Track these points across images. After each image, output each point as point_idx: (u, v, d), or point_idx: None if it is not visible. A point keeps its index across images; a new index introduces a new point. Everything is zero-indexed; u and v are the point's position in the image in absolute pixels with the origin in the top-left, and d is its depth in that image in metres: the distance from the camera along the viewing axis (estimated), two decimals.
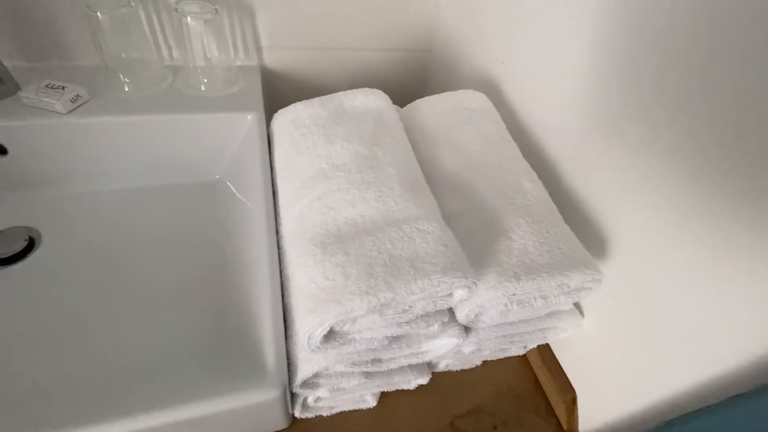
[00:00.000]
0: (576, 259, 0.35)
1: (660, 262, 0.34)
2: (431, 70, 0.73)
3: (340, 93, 0.44)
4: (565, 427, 0.45)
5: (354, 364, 0.34)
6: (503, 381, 0.48)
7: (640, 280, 0.36)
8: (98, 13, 0.47)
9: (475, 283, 0.30)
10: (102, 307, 0.43)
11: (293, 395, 0.34)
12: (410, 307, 0.30)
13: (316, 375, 0.33)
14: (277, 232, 0.39)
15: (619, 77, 0.36)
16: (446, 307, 0.33)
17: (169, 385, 0.32)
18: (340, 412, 0.42)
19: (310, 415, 0.40)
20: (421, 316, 0.32)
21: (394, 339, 0.33)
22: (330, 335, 0.29)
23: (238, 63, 0.61)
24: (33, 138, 0.48)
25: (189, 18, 0.50)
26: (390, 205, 0.33)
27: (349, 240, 0.30)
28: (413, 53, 0.70)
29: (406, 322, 0.31)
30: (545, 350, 0.48)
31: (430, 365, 0.43)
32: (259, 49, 0.61)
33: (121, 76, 0.53)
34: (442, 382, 0.46)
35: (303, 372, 0.31)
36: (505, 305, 0.34)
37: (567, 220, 0.39)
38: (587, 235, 0.39)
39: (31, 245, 0.47)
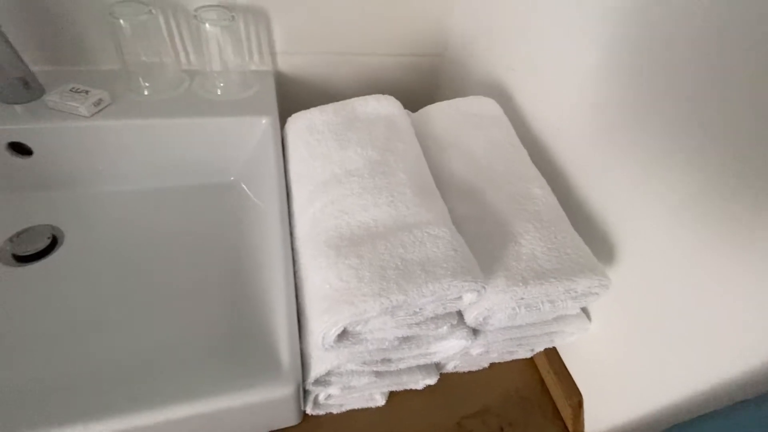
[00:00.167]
0: (583, 265, 0.36)
1: (667, 267, 0.35)
2: (442, 75, 0.73)
3: (353, 99, 0.45)
4: (571, 429, 0.46)
5: (365, 363, 0.35)
6: (510, 383, 0.49)
7: (647, 285, 0.37)
8: (120, 20, 0.49)
9: (484, 287, 0.31)
10: (122, 303, 0.44)
11: (305, 392, 0.36)
12: (421, 309, 0.31)
13: (328, 373, 0.34)
14: (291, 234, 0.41)
15: (630, 85, 0.37)
16: (455, 309, 0.34)
17: (186, 380, 0.33)
18: (350, 410, 0.43)
19: (320, 412, 0.41)
20: (431, 318, 0.33)
21: (405, 340, 0.34)
22: (343, 335, 0.30)
23: (253, 67, 0.63)
24: (57, 140, 0.49)
25: (207, 24, 0.51)
26: (401, 209, 0.34)
27: (362, 243, 0.31)
28: (424, 58, 0.71)
29: (417, 324, 0.32)
30: (552, 353, 0.49)
31: (438, 366, 0.44)
32: (273, 54, 0.63)
33: (141, 81, 0.54)
34: (449, 383, 0.47)
35: (316, 370, 0.32)
36: (513, 309, 0.34)
37: (575, 226, 0.40)
38: (595, 241, 0.40)
39: (54, 243, 0.49)
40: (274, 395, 0.31)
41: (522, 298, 0.34)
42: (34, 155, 0.50)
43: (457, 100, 0.51)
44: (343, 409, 0.43)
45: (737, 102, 0.28)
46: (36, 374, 0.38)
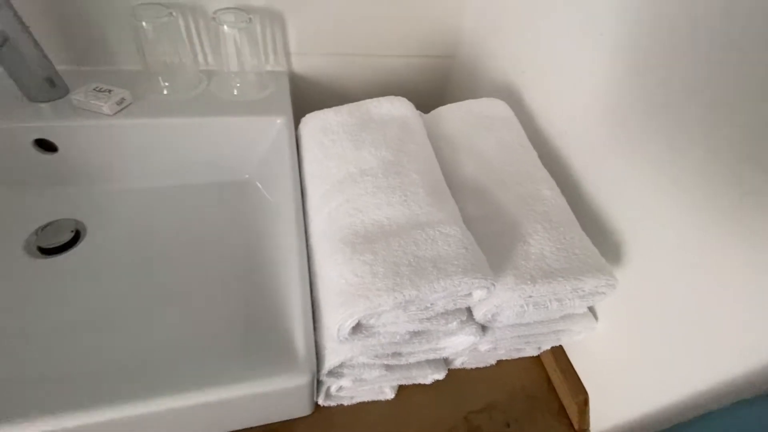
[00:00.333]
0: (591, 265, 0.37)
1: (673, 268, 0.36)
2: (453, 76, 0.74)
3: (367, 101, 0.47)
4: (576, 427, 0.47)
5: (376, 356, 0.36)
6: (517, 380, 0.50)
7: (654, 286, 0.38)
8: (143, 22, 0.50)
9: (493, 284, 0.32)
10: (141, 295, 0.46)
11: (318, 383, 0.37)
12: (432, 304, 0.32)
13: (341, 365, 0.35)
14: (305, 231, 0.42)
15: (640, 89, 0.37)
16: (465, 306, 0.35)
17: (206, 369, 0.34)
18: (360, 403, 0.44)
19: (332, 403, 0.42)
20: (442, 313, 0.34)
21: (415, 334, 0.35)
22: (357, 328, 0.31)
23: (268, 68, 0.64)
24: (81, 137, 0.51)
25: (225, 26, 0.53)
26: (414, 208, 0.35)
27: (376, 241, 0.33)
28: (436, 60, 0.72)
29: (427, 319, 0.33)
30: (559, 352, 0.50)
31: (446, 362, 0.45)
32: (288, 55, 0.64)
33: (161, 81, 0.56)
34: (457, 378, 0.48)
35: (330, 361, 0.33)
36: (521, 306, 0.35)
37: (584, 227, 0.41)
38: (603, 241, 0.41)
39: (77, 237, 0.51)
40: (290, 384, 0.33)
41: (530, 296, 0.35)
42: (59, 152, 0.52)
43: (468, 101, 0.52)
44: (354, 402, 0.44)
45: (753, 104, 0.29)
46: (60, 360, 0.40)
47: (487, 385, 0.48)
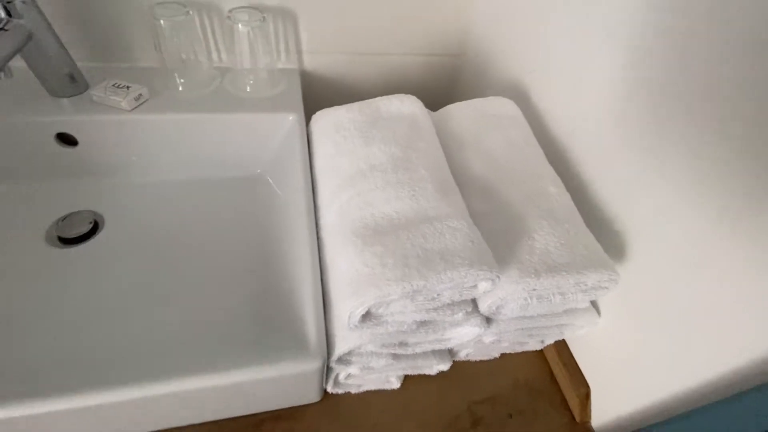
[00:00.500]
0: (594, 260, 0.38)
1: (676, 266, 0.36)
2: (462, 74, 0.75)
3: (378, 99, 0.48)
4: (578, 419, 0.48)
5: (384, 345, 0.38)
6: (520, 373, 0.51)
7: (657, 282, 0.38)
8: (161, 21, 0.52)
9: (498, 277, 0.33)
10: (157, 285, 0.48)
11: (328, 370, 0.38)
12: (438, 295, 0.33)
13: (350, 353, 0.37)
14: (317, 224, 0.44)
15: (647, 90, 0.38)
16: (471, 297, 0.36)
17: (220, 354, 0.36)
18: (367, 391, 0.46)
19: (340, 391, 0.44)
20: (448, 304, 0.35)
21: (422, 324, 0.36)
22: (366, 316, 0.33)
23: (280, 66, 0.66)
24: (100, 132, 0.53)
25: (240, 25, 0.54)
26: (422, 203, 0.36)
27: (385, 233, 0.34)
28: (445, 58, 0.73)
29: (434, 309, 0.35)
30: (562, 346, 0.51)
31: (451, 353, 0.46)
32: (299, 53, 0.66)
33: (177, 77, 0.58)
34: (461, 370, 0.49)
35: (340, 348, 0.35)
36: (525, 299, 0.37)
37: (588, 223, 0.42)
38: (607, 238, 0.42)
39: (95, 228, 0.53)
40: (301, 369, 0.34)
41: (534, 289, 0.36)
42: (79, 145, 0.54)
43: (476, 100, 0.53)
44: (361, 390, 0.45)
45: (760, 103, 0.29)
46: (79, 344, 0.42)
47: (491, 377, 0.50)
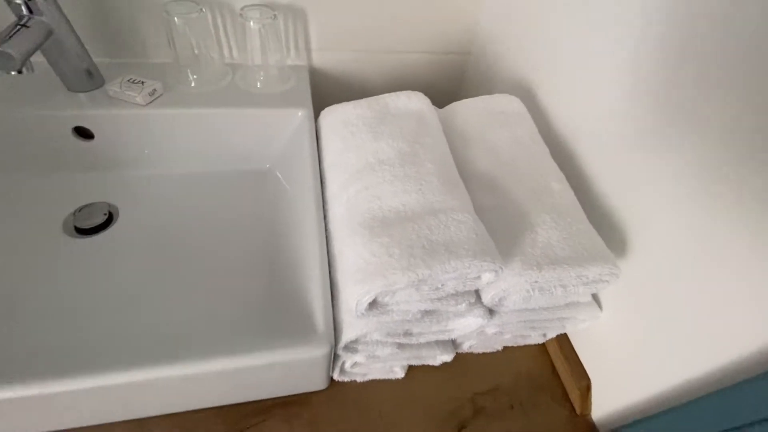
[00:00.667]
0: (596, 254, 0.39)
1: (676, 262, 0.37)
2: (468, 72, 0.76)
3: (386, 95, 0.49)
4: (578, 411, 0.49)
5: (389, 334, 0.39)
6: (522, 366, 0.52)
7: (657, 279, 0.39)
8: (175, 18, 0.53)
9: (501, 268, 0.34)
10: (170, 274, 0.49)
11: (335, 357, 0.40)
12: (443, 285, 0.34)
13: (356, 340, 0.38)
14: (324, 216, 0.45)
15: (651, 88, 0.39)
16: (474, 288, 0.37)
17: (229, 340, 0.37)
18: (372, 380, 0.47)
19: (345, 379, 0.45)
20: (452, 294, 0.36)
21: (426, 313, 0.38)
22: (373, 304, 0.34)
23: (290, 63, 0.67)
24: (116, 126, 0.55)
25: (251, 22, 0.56)
26: (428, 196, 0.38)
27: (392, 225, 0.35)
28: (452, 56, 0.74)
29: (438, 299, 0.36)
30: (563, 340, 0.52)
31: (455, 344, 0.47)
32: (309, 51, 0.67)
33: (189, 73, 0.59)
34: (464, 362, 0.50)
35: (347, 335, 0.36)
36: (528, 291, 0.38)
37: (591, 218, 0.43)
38: (609, 233, 0.42)
39: (110, 219, 0.54)
40: (310, 355, 0.35)
41: (536, 281, 0.37)
42: (95, 139, 0.55)
43: (483, 97, 0.54)
44: (366, 379, 0.47)
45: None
46: (94, 329, 0.43)
47: (494, 369, 0.51)
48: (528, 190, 0.43)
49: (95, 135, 0.55)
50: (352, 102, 0.49)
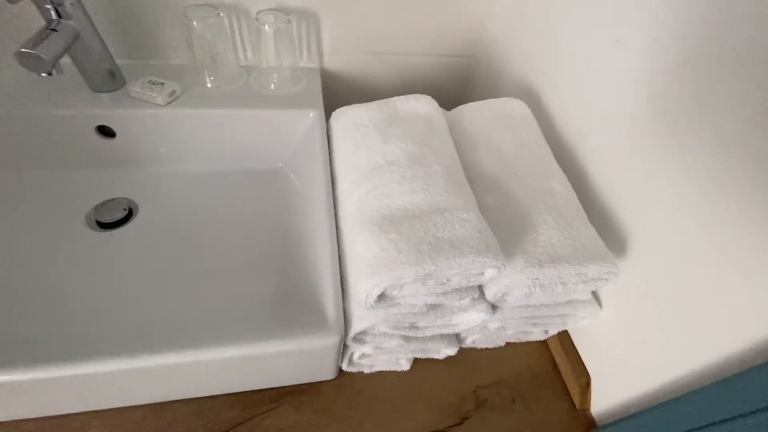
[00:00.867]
0: (595, 253, 0.40)
1: (673, 263, 0.38)
2: (475, 75, 0.78)
3: (395, 98, 0.51)
4: (578, 406, 0.50)
5: (395, 327, 0.41)
6: (524, 361, 0.53)
7: (655, 278, 0.41)
8: (194, 22, 0.56)
9: (504, 265, 0.36)
10: (187, 268, 0.51)
11: (344, 348, 0.42)
12: (448, 280, 0.36)
13: (365, 332, 0.40)
14: (335, 214, 0.47)
15: (653, 93, 0.40)
16: (477, 284, 0.39)
17: (244, 330, 0.39)
18: (378, 372, 0.49)
19: (353, 369, 0.47)
20: (456, 289, 0.38)
21: (432, 307, 0.39)
22: (381, 297, 0.36)
23: (302, 65, 0.69)
24: (137, 125, 0.57)
25: (266, 26, 0.58)
26: (435, 196, 0.39)
27: (400, 222, 0.37)
28: (459, 59, 0.75)
29: (443, 294, 0.38)
30: (564, 337, 0.53)
31: (458, 339, 0.49)
32: (320, 53, 0.69)
33: (206, 75, 0.61)
34: (468, 356, 0.52)
35: (356, 326, 0.38)
36: (529, 288, 0.39)
37: (592, 219, 0.44)
38: (610, 234, 0.44)
39: (129, 214, 0.57)
40: (321, 343, 0.37)
41: (537, 278, 0.38)
42: (116, 137, 0.58)
43: (489, 101, 0.55)
44: (373, 370, 0.49)
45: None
46: (115, 319, 0.46)
47: (496, 364, 0.52)
48: (531, 190, 0.45)
49: (117, 133, 0.58)
50: (363, 104, 0.51)
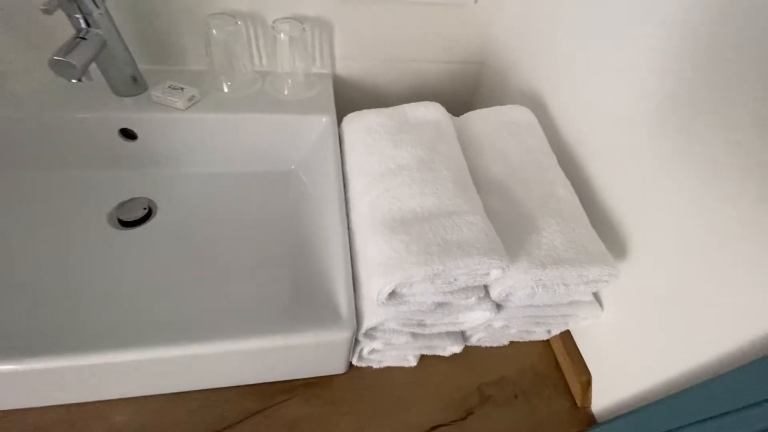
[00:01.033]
0: (596, 256, 0.42)
1: (672, 266, 0.40)
2: (482, 81, 0.80)
3: (405, 105, 0.53)
4: (579, 404, 0.52)
5: (404, 324, 0.43)
6: (527, 360, 0.55)
7: (655, 282, 0.42)
8: (213, 30, 0.58)
9: (508, 266, 0.38)
10: (205, 265, 0.54)
11: (355, 343, 0.44)
12: (455, 279, 0.38)
13: (375, 328, 0.42)
14: (347, 215, 0.49)
15: (655, 106, 0.42)
16: (483, 283, 0.41)
17: (261, 324, 0.41)
18: (387, 367, 0.51)
19: (363, 364, 0.49)
20: (463, 288, 0.40)
21: (439, 305, 0.41)
22: (392, 294, 0.38)
23: (314, 71, 0.71)
24: (158, 128, 0.60)
25: (282, 34, 0.60)
26: (444, 199, 0.41)
27: (411, 224, 0.39)
28: (467, 66, 0.77)
29: (450, 292, 0.40)
30: (567, 337, 0.55)
31: (464, 337, 0.51)
32: (333, 59, 0.71)
33: (223, 80, 0.64)
34: (473, 354, 0.54)
35: (368, 322, 0.40)
36: (532, 288, 0.41)
37: (594, 223, 0.46)
38: (611, 237, 0.46)
39: (149, 213, 0.59)
40: (335, 337, 0.40)
41: (540, 279, 0.40)
42: (138, 139, 0.61)
43: (495, 108, 0.57)
44: (382, 366, 0.51)
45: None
46: (136, 315, 0.48)
47: (500, 362, 0.54)
48: (535, 195, 0.47)
49: (139, 136, 0.60)
50: (374, 110, 0.53)
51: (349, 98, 0.76)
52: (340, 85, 0.74)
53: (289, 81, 0.66)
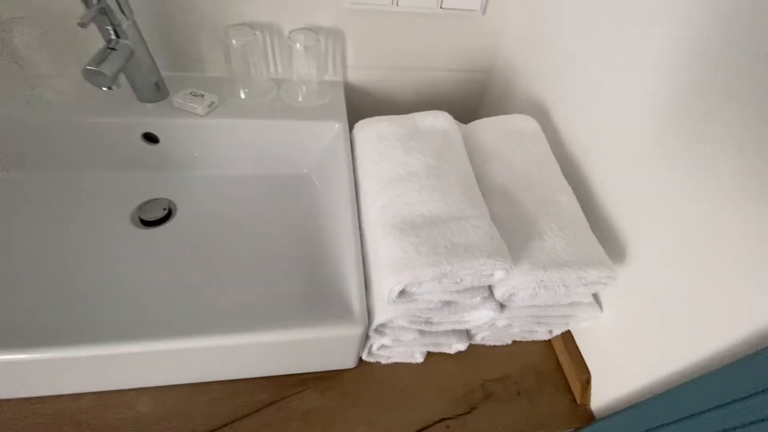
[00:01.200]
0: (596, 259, 0.44)
1: (671, 269, 0.42)
2: (490, 90, 0.82)
3: (415, 114, 0.56)
4: (578, 402, 0.54)
5: (412, 321, 0.45)
6: (529, 359, 0.58)
7: (652, 284, 0.44)
8: (233, 40, 0.61)
9: (511, 267, 0.41)
10: (222, 264, 0.57)
11: (366, 339, 0.46)
12: (461, 279, 0.41)
13: (385, 324, 0.45)
14: (359, 219, 0.52)
15: (656, 117, 0.43)
16: (488, 284, 0.43)
17: (276, 319, 0.44)
18: (394, 363, 0.54)
19: (372, 360, 0.52)
20: (468, 288, 0.43)
21: (446, 304, 0.44)
22: (402, 293, 0.41)
23: (327, 78, 0.74)
24: (178, 132, 0.63)
25: (297, 44, 0.63)
26: (451, 205, 0.44)
27: (420, 228, 0.42)
28: (474, 74, 0.80)
29: (457, 292, 0.42)
30: (567, 337, 0.57)
31: (469, 335, 0.54)
32: (345, 68, 0.74)
33: (240, 87, 0.67)
34: (477, 352, 0.56)
35: (378, 318, 0.43)
36: (534, 289, 0.44)
37: (594, 227, 0.48)
38: (611, 242, 0.48)
39: (169, 214, 0.62)
40: (347, 332, 0.42)
41: (542, 281, 0.43)
42: (160, 143, 0.64)
43: (501, 117, 0.60)
44: (390, 361, 0.53)
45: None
46: (155, 310, 0.51)
47: (503, 360, 0.57)
48: (538, 201, 0.49)
49: (160, 140, 0.63)
50: (385, 118, 0.56)
51: (360, 105, 0.79)
52: (351, 92, 0.77)
53: (303, 88, 0.69)
